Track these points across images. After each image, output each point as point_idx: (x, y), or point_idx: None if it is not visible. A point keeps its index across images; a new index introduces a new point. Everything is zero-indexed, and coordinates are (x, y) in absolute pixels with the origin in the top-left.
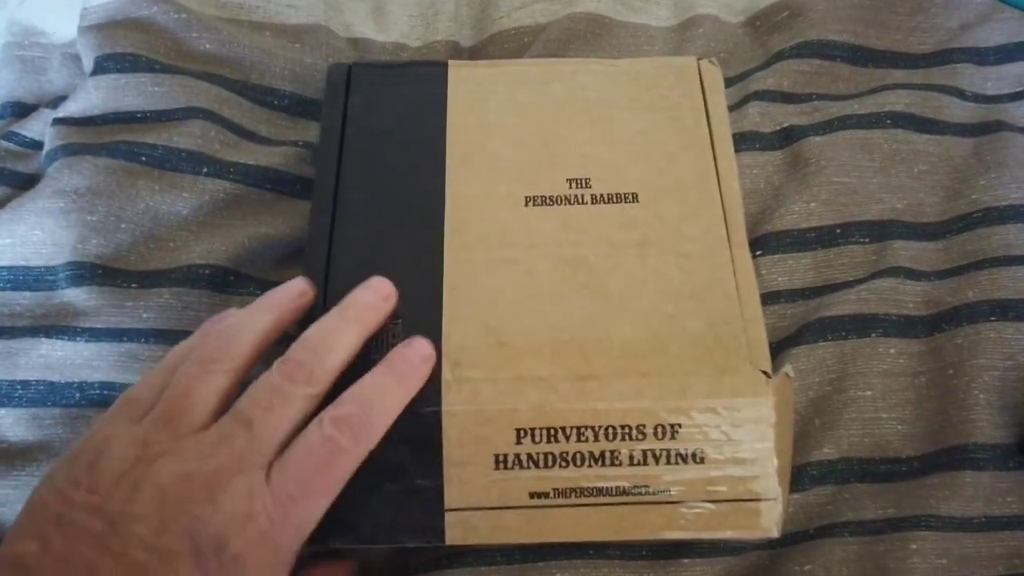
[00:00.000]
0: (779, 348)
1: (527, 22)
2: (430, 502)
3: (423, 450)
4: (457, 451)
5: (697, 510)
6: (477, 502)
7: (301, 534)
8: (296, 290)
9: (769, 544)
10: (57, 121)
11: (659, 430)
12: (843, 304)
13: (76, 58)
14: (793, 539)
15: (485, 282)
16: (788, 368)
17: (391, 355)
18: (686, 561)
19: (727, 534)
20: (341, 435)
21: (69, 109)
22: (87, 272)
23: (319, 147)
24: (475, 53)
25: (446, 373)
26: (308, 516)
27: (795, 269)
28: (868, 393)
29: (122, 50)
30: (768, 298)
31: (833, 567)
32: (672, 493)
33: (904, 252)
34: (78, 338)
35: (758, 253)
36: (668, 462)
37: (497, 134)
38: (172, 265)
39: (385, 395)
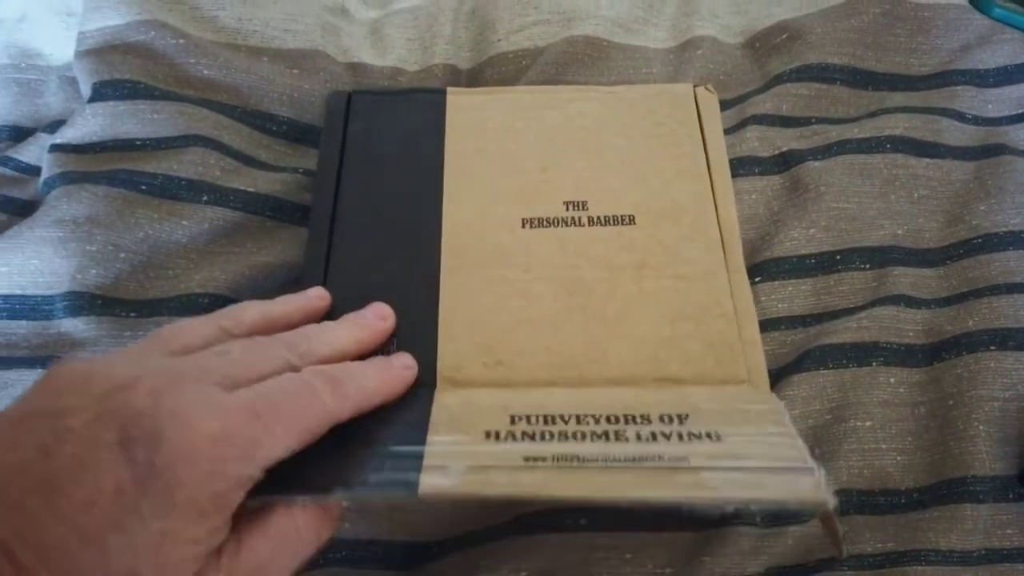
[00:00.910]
0: (779, 375)
1: (525, 45)
2: (406, 463)
3: (407, 425)
4: (444, 428)
5: (726, 474)
6: (462, 463)
7: (250, 459)
8: (314, 294)
9: None
10: (55, 148)
11: (665, 417)
12: (843, 332)
13: (74, 81)
14: (792, 572)
15: (481, 304)
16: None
17: (372, 360)
18: None
19: (770, 496)
20: (317, 381)
21: (67, 136)
22: (86, 302)
23: (317, 175)
24: (473, 76)
25: (440, 385)
26: (259, 442)
27: (795, 296)
28: (868, 423)
29: (120, 76)
30: (768, 325)
31: None
32: (691, 462)
33: (904, 279)
34: None
35: (757, 279)
36: (681, 440)
37: (494, 160)
38: (171, 294)
39: (365, 376)
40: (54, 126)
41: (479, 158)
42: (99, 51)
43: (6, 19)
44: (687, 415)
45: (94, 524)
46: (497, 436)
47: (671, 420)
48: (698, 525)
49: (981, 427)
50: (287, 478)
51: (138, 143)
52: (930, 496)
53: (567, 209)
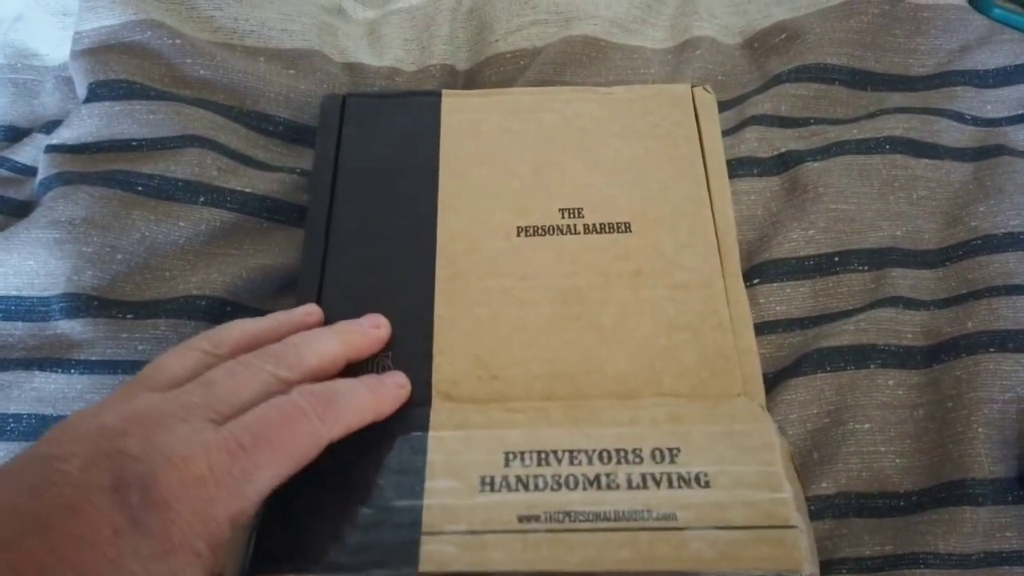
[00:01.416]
0: (777, 379)
1: (523, 45)
2: (406, 525)
3: (404, 473)
4: (441, 473)
5: (709, 538)
6: (459, 526)
7: (243, 495)
8: (303, 311)
9: None
10: (51, 148)
11: (657, 453)
12: (841, 335)
13: (70, 81)
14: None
15: (476, 313)
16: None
17: (363, 377)
18: None
19: (749, 567)
20: (306, 403)
21: (63, 136)
22: (82, 304)
23: (312, 178)
24: (471, 76)
25: (436, 403)
26: (254, 473)
27: (793, 298)
28: (867, 426)
29: (116, 76)
30: (766, 327)
31: None
32: (679, 519)
33: (903, 281)
34: (72, 370)
35: (756, 281)
36: (670, 485)
37: (490, 164)
38: (168, 296)
39: (356, 394)
40: (50, 126)
41: (475, 162)
42: (95, 51)
43: (2, 19)
44: (678, 449)
45: (92, 562)
46: (492, 484)
47: (662, 457)
48: None
49: (980, 429)
50: (291, 551)
51: (134, 143)
52: (929, 499)
53: (563, 217)
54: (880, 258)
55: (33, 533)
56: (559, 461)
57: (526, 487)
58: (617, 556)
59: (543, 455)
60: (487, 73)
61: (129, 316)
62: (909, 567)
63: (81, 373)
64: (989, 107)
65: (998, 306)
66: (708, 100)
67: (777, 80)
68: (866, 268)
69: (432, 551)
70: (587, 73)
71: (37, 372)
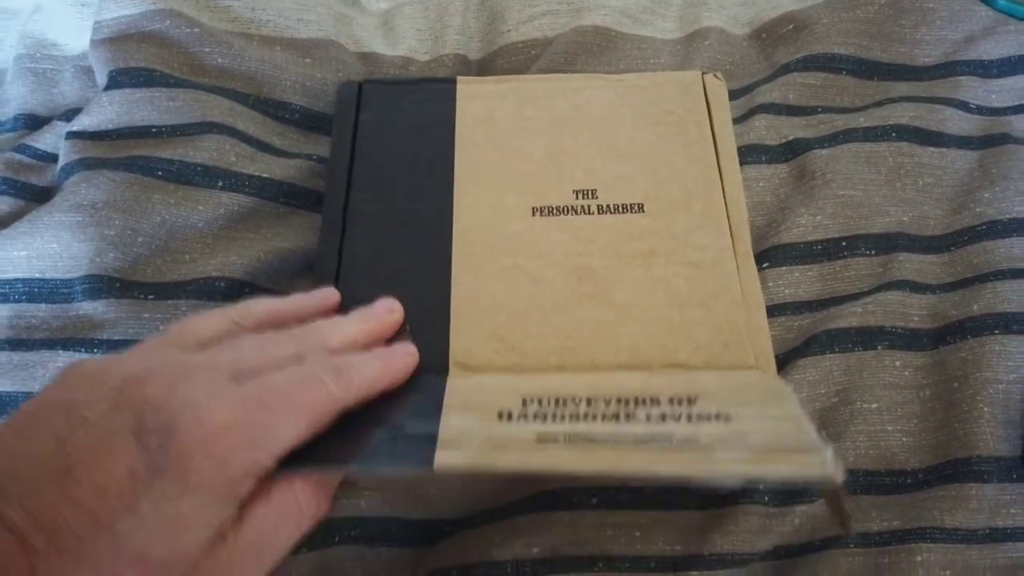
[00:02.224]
0: (786, 359)
1: (535, 35)
2: (422, 440)
3: (422, 409)
4: (458, 409)
5: (735, 452)
6: (475, 441)
7: (257, 449)
8: (322, 294)
9: (775, 555)
10: (72, 135)
11: (675, 400)
12: (849, 317)
13: (88, 70)
14: (799, 551)
15: (493, 291)
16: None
17: (374, 349)
18: (694, 573)
19: (780, 469)
20: (322, 371)
21: (84, 123)
22: (105, 285)
23: (329, 164)
24: (483, 66)
25: (453, 370)
26: (270, 430)
27: (801, 281)
28: (874, 405)
29: (136, 64)
30: (775, 310)
31: None
32: (701, 442)
33: (909, 265)
34: (95, 350)
35: (765, 265)
36: (690, 420)
37: (504, 149)
38: (188, 277)
39: (367, 365)
40: (69, 114)
41: (489, 147)
42: (115, 40)
43: (21, 10)
44: (696, 397)
45: (106, 509)
46: (510, 416)
47: (680, 403)
48: (707, 503)
49: (985, 409)
50: (304, 455)
51: (154, 130)
52: (935, 476)
53: (577, 198)
54: (887, 243)
55: (52, 482)
56: (577, 405)
57: (544, 420)
58: (640, 459)
59: (561, 400)
60: (499, 63)
61: (151, 297)
62: (916, 541)
63: (104, 352)
64: (994, 96)
65: (1003, 290)
66: (718, 87)
67: (785, 69)
68: (873, 253)
69: (448, 454)
70: (597, 63)
71: (61, 352)
